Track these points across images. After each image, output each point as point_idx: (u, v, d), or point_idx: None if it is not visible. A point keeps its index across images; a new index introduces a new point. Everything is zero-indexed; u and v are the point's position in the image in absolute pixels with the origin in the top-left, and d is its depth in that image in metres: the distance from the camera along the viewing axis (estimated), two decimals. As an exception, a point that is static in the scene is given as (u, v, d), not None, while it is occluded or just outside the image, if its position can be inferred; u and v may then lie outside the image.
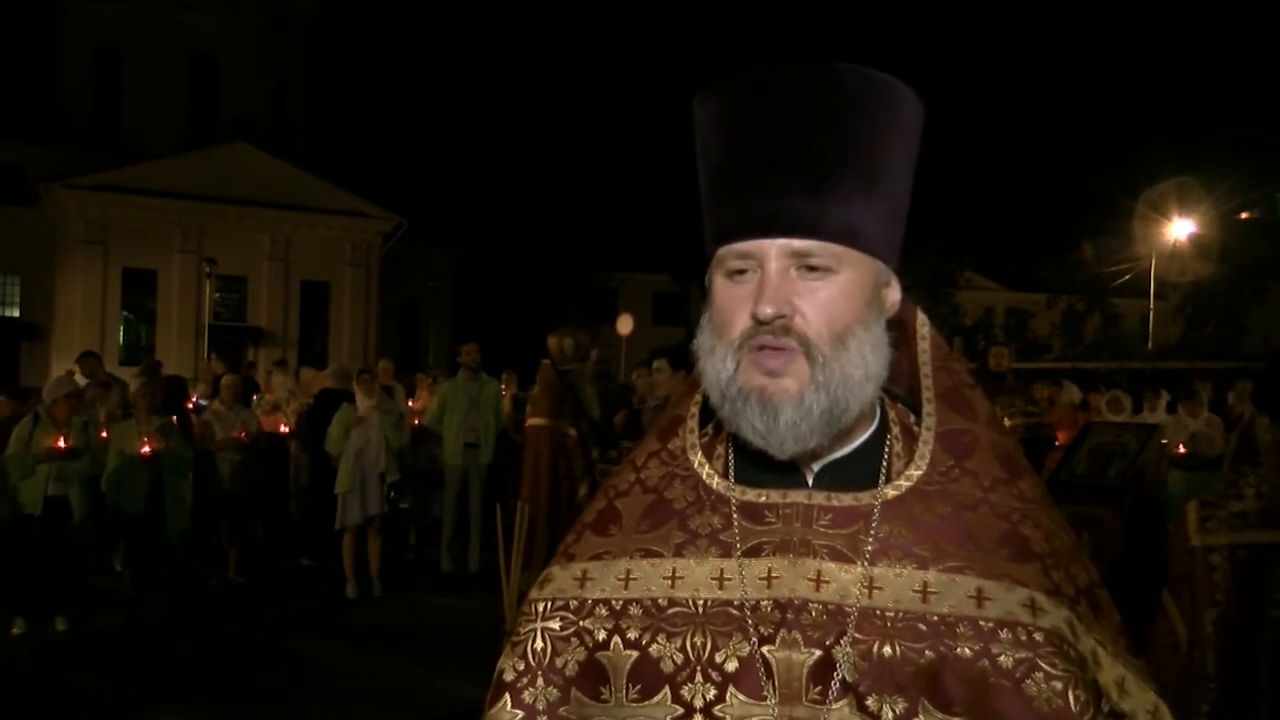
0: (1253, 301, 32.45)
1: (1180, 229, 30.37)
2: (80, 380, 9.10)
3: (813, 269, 1.07)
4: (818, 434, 1.07)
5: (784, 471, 1.13)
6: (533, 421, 5.76)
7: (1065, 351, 31.64)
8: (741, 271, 1.09)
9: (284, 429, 10.27)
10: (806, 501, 1.12)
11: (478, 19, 59.77)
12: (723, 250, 1.11)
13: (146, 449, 7.48)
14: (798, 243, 1.06)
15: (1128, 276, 32.71)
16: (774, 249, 1.07)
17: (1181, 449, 8.52)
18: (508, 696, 1.14)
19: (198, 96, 33.77)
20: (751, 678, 1.05)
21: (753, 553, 1.10)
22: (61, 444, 6.89)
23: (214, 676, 6.36)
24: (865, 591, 1.06)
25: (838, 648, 1.04)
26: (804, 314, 1.06)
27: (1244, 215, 31.43)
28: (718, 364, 1.10)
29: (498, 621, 5.36)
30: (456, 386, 9.21)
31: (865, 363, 1.08)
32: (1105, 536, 6.47)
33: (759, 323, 1.06)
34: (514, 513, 5.46)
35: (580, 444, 5.57)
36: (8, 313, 32.14)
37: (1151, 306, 31.14)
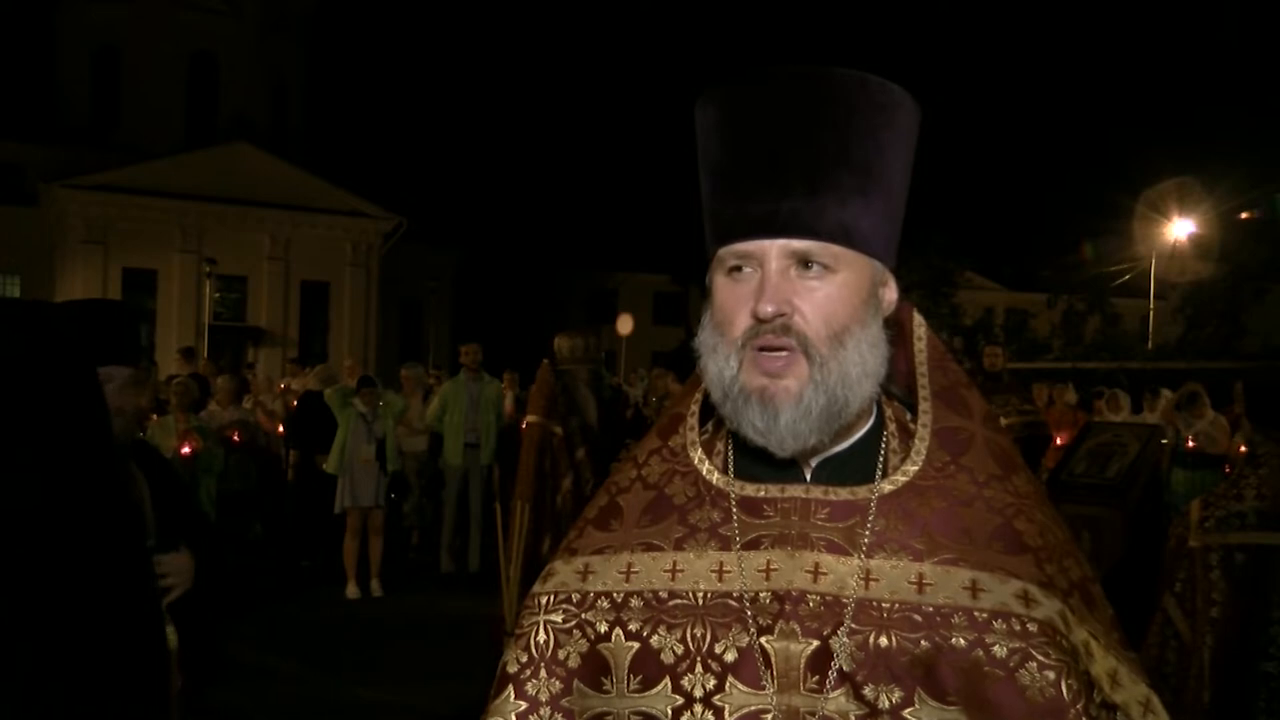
0: (1253, 301, 32.43)
1: (1180, 229, 30.35)
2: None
3: (811, 268, 1.10)
4: (817, 432, 1.10)
5: (782, 467, 1.15)
6: (526, 419, 5.83)
7: (1065, 351, 31.62)
8: (741, 269, 1.12)
9: (282, 429, 10.28)
10: (804, 496, 1.15)
11: (478, 19, 59.79)
12: (723, 250, 1.13)
13: (186, 449, 7.58)
14: (797, 243, 1.09)
15: (1128, 276, 32.69)
16: (774, 249, 1.09)
17: (1191, 443, 8.49)
18: (511, 688, 1.16)
19: (198, 96, 33.72)
20: (750, 668, 1.08)
21: (751, 546, 1.13)
22: None
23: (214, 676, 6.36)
24: (862, 583, 1.08)
25: (835, 638, 1.06)
26: (803, 313, 1.08)
27: (1244, 215, 31.38)
28: (720, 362, 1.12)
29: (497, 621, 5.38)
30: (458, 386, 9.22)
31: (863, 360, 1.10)
32: (1105, 536, 6.48)
33: (759, 321, 1.08)
34: (514, 513, 5.47)
35: (565, 442, 5.59)
36: (8, 313, 32.14)
37: (1151, 306, 31.14)
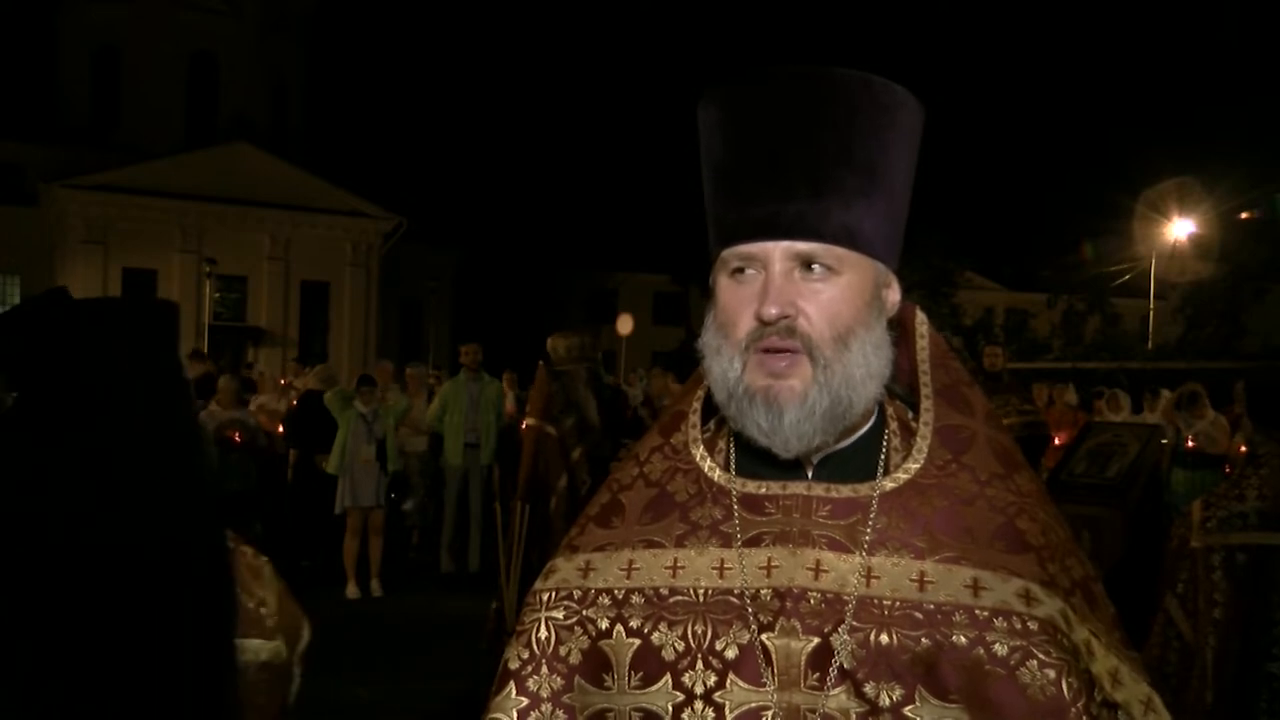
0: (1253, 301, 32.45)
1: (1180, 229, 30.35)
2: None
3: (815, 270, 1.10)
4: (821, 433, 1.10)
5: (784, 464, 1.15)
6: (525, 421, 5.86)
7: (1065, 351, 31.63)
8: (744, 271, 1.12)
9: (282, 429, 10.27)
10: (806, 493, 1.15)
11: (478, 19, 59.78)
12: (727, 252, 1.13)
13: None
14: (801, 245, 1.09)
15: (1128, 276, 32.70)
16: (777, 251, 1.09)
17: (1191, 443, 8.49)
18: (512, 684, 1.17)
19: (198, 96, 33.73)
20: (751, 665, 1.08)
21: (753, 543, 1.13)
22: None
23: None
24: (863, 580, 1.08)
25: (836, 635, 1.06)
26: (807, 315, 1.09)
27: (1244, 215, 31.37)
28: (724, 364, 1.12)
29: (497, 621, 5.37)
30: (458, 386, 9.23)
31: (867, 362, 1.11)
32: (1105, 536, 6.48)
33: (764, 323, 1.08)
34: (514, 513, 5.48)
35: (559, 443, 5.60)
36: (8, 313, 32.10)
37: (1151, 306, 31.14)
